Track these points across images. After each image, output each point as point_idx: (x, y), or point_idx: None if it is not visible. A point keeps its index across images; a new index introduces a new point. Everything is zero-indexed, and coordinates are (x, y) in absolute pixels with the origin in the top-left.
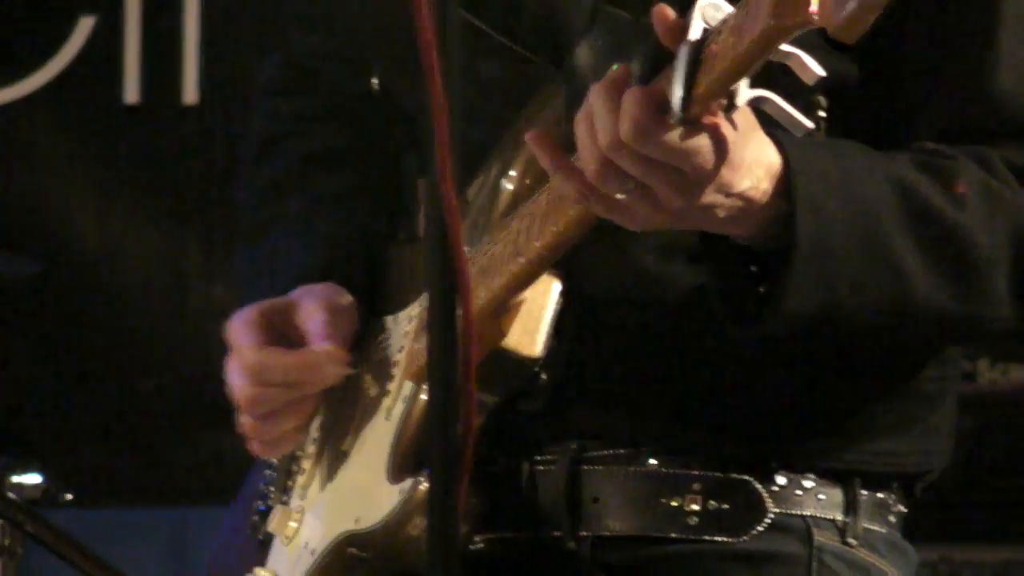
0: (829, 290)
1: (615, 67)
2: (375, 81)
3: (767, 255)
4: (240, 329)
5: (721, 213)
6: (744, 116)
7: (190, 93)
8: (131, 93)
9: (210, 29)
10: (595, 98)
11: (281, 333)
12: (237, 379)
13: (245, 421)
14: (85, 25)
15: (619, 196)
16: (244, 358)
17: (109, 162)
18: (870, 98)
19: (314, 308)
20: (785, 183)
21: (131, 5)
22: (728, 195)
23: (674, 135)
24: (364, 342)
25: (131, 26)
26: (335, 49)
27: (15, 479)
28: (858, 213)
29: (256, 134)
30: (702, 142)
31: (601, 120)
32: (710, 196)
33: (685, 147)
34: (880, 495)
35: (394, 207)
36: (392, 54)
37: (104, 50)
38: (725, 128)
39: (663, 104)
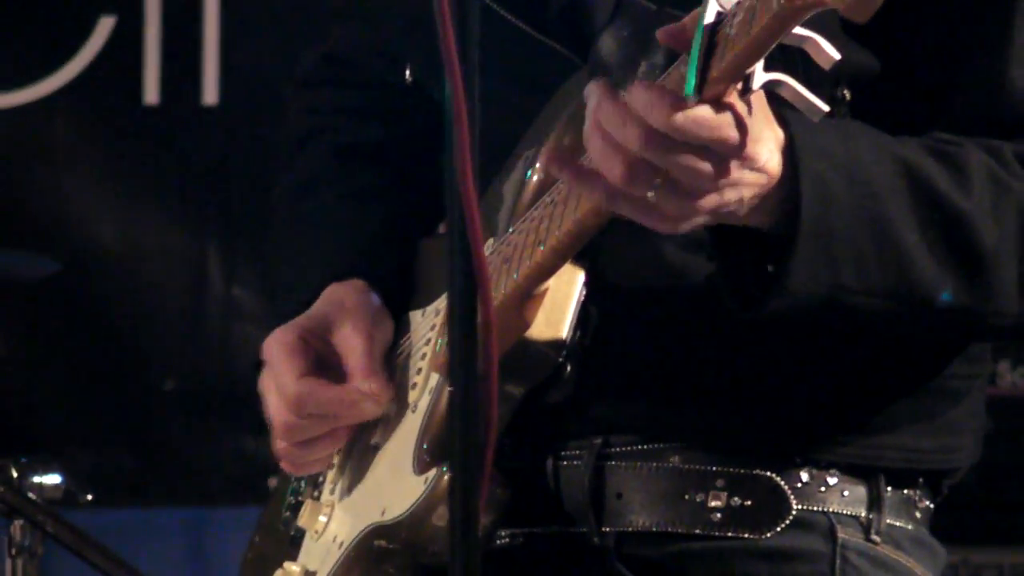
0: (833, 270)
1: (593, 82)
2: (408, 74)
3: (775, 243)
4: (280, 354)
5: (747, 193)
6: (756, 97)
7: (210, 94)
8: (151, 94)
9: (230, 29)
10: (601, 108)
11: (319, 354)
12: (275, 406)
13: (281, 446)
14: (105, 25)
15: (649, 195)
16: (284, 388)
17: (129, 162)
18: (889, 91)
19: (351, 333)
20: (791, 160)
21: (151, 5)
22: (752, 169)
23: (695, 112)
24: (394, 336)
25: (151, 26)
26: (373, 42)
27: (35, 480)
28: (863, 195)
29: (292, 127)
30: (724, 117)
31: (616, 122)
32: (736, 172)
33: (708, 120)
34: (906, 491)
35: (431, 201)
36: (424, 47)
37: (124, 50)
38: (740, 107)
39: (675, 97)
